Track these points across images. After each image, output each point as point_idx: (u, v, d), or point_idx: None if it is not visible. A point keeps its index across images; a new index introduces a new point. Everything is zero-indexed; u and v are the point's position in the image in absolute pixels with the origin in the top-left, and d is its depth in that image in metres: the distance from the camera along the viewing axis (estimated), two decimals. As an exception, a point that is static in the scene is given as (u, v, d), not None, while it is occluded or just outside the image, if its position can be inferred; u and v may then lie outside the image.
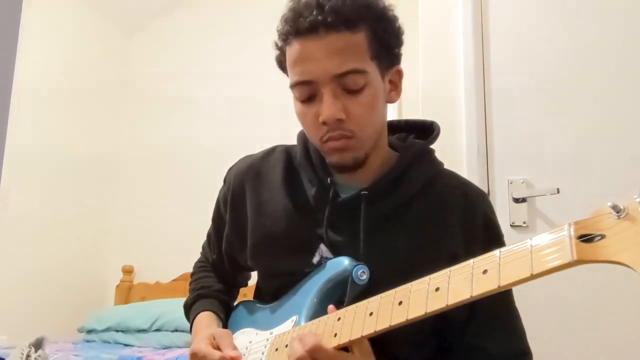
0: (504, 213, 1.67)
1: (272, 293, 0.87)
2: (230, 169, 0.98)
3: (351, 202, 0.80)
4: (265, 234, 0.86)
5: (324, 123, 0.75)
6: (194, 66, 3.27)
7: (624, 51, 1.64)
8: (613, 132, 1.60)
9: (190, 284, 1.03)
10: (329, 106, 0.74)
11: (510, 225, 1.64)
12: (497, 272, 0.50)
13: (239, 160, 0.97)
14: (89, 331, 2.67)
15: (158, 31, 3.46)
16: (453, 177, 0.89)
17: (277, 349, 0.74)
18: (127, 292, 3.05)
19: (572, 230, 0.46)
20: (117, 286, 3.09)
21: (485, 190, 1.73)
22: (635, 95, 1.59)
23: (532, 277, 0.47)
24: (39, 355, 1.65)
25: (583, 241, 0.45)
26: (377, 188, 0.80)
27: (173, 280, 2.91)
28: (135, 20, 3.42)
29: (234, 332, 0.90)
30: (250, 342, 0.83)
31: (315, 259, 0.82)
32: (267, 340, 0.79)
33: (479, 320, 0.79)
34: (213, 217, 1.01)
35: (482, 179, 1.74)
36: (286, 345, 0.72)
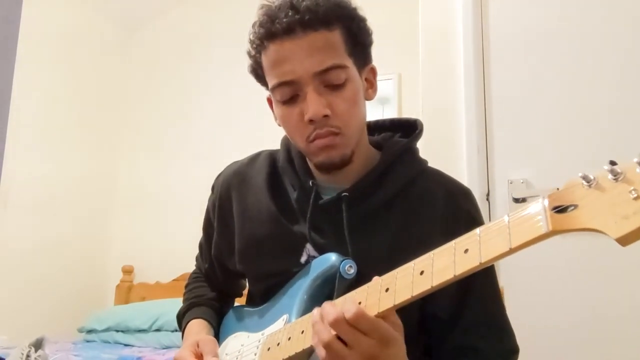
0: (503, 213, 1.66)
1: (262, 295, 0.88)
2: (218, 176, 0.98)
3: (332, 204, 0.80)
4: (251, 237, 0.87)
5: (311, 121, 0.75)
6: (193, 67, 3.27)
7: (626, 51, 1.64)
8: (614, 131, 1.60)
9: (184, 295, 1.03)
10: (314, 103, 0.74)
11: (510, 225, 1.65)
12: (478, 250, 0.51)
13: (226, 167, 0.98)
14: (89, 331, 2.67)
15: (157, 31, 3.46)
16: (437, 175, 0.88)
17: (269, 349, 0.74)
18: (127, 292, 3.05)
19: (546, 202, 0.47)
20: (117, 286, 3.09)
21: (485, 190, 1.73)
22: (636, 94, 1.59)
23: (512, 250, 0.49)
24: (39, 355, 1.65)
25: (557, 212, 0.46)
26: (357, 189, 0.80)
27: (173, 280, 2.91)
28: (134, 21, 3.42)
29: (225, 337, 0.91)
30: (242, 345, 0.83)
31: (303, 258, 0.82)
32: (259, 341, 0.78)
33: (468, 318, 0.79)
34: (203, 226, 1.01)
35: (482, 179, 1.74)
36: (278, 344, 0.72)
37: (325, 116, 0.75)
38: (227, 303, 1.01)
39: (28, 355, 1.63)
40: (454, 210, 0.82)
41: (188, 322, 0.94)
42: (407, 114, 2.55)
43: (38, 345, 1.69)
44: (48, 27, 2.94)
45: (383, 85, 2.76)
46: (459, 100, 1.82)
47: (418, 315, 0.80)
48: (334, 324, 0.59)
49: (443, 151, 1.77)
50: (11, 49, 2.72)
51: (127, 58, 3.46)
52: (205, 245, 1.01)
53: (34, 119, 2.84)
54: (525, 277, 1.61)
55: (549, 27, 1.76)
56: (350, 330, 0.58)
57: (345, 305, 0.60)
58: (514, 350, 0.81)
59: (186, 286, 1.05)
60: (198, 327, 0.91)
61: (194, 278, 1.06)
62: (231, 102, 3.09)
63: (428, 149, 1.86)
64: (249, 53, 0.82)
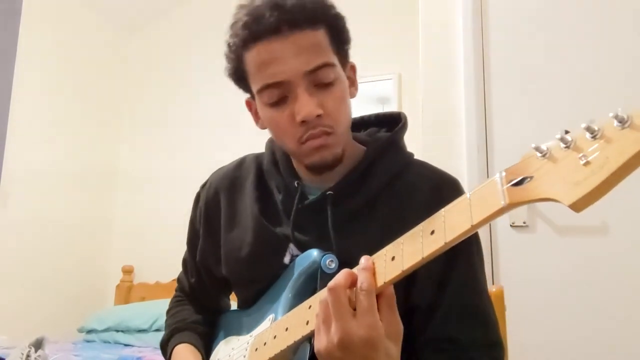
0: (503, 213, 1.67)
1: (251, 299, 0.87)
2: (203, 184, 0.97)
3: (317, 204, 0.80)
4: (235, 242, 0.86)
5: (303, 122, 0.74)
6: (194, 66, 3.27)
7: (628, 48, 1.64)
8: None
9: (165, 321, 1.00)
10: (307, 103, 0.73)
11: (510, 225, 1.64)
12: (443, 230, 0.53)
13: (212, 174, 0.96)
14: (89, 331, 2.68)
15: (158, 31, 3.46)
16: (422, 167, 0.86)
17: (257, 349, 0.74)
18: (127, 292, 3.05)
19: (502, 176, 0.49)
20: (117, 286, 3.09)
21: (485, 190, 1.73)
22: (637, 93, 1.59)
23: (473, 227, 0.50)
24: (39, 355, 1.65)
25: (513, 185, 0.47)
26: (342, 187, 0.80)
27: (173, 280, 2.89)
28: (134, 20, 3.42)
29: (217, 343, 0.90)
30: (232, 349, 0.83)
31: (286, 259, 0.81)
32: (248, 342, 0.78)
33: (446, 308, 0.76)
34: (188, 239, 0.99)
35: (482, 179, 1.74)
36: (265, 343, 0.72)
37: (318, 116, 0.74)
38: (213, 323, 0.98)
39: (28, 355, 1.63)
40: (439, 200, 0.79)
41: (174, 347, 0.91)
42: (407, 113, 2.55)
43: (38, 345, 1.69)
44: (47, 21, 2.94)
45: (383, 85, 2.75)
46: (459, 100, 1.82)
47: (403, 309, 0.79)
48: (370, 290, 0.58)
49: (443, 151, 1.77)
50: (11, 46, 2.72)
51: (127, 53, 3.46)
52: (190, 259, 0.99)
53: (34, 119, 2.84)
54: (525, 277, 1.61)
55: (550, 26, 1.76)
56: (373, 302, 0.57)
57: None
58: (496, 343, 0.77)
59: (167, 312, 1.02)
60: (186, 354, 0.88)
61: (176, 302, 1.03)
62: (232, 98, 3.09)
63: (428, 149, 1.87)
64: (227, 56, 0.79)
